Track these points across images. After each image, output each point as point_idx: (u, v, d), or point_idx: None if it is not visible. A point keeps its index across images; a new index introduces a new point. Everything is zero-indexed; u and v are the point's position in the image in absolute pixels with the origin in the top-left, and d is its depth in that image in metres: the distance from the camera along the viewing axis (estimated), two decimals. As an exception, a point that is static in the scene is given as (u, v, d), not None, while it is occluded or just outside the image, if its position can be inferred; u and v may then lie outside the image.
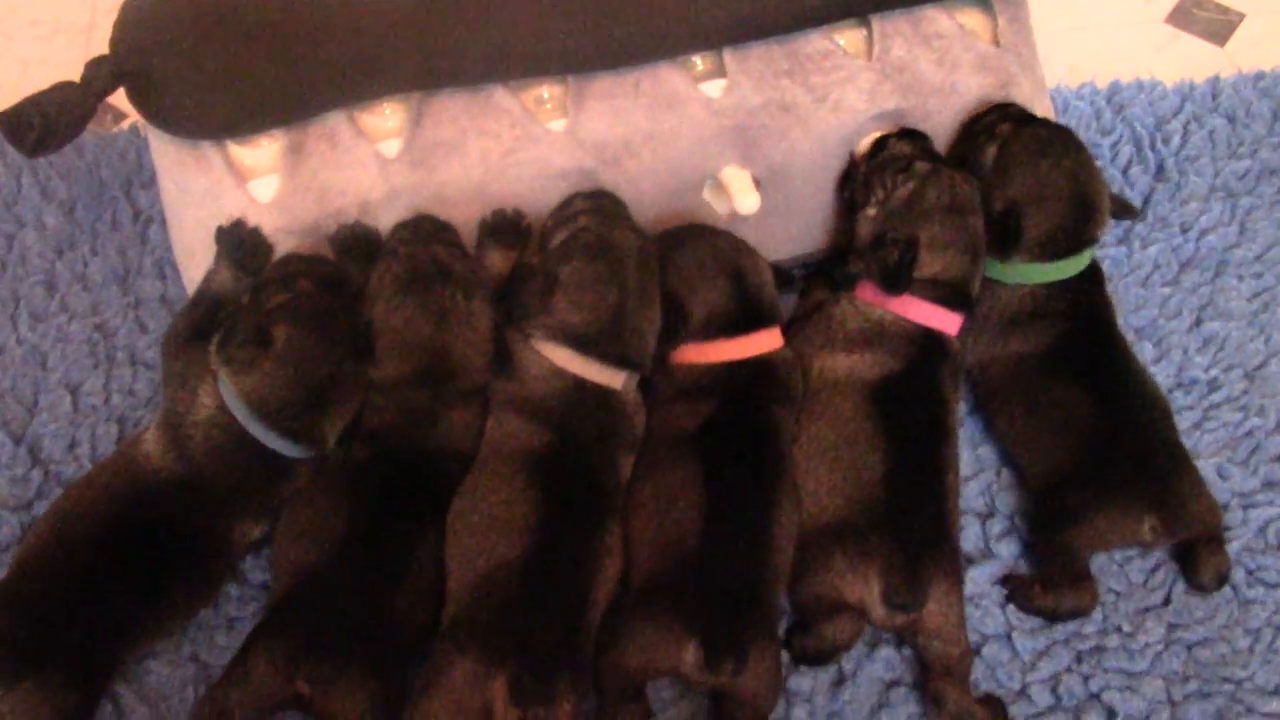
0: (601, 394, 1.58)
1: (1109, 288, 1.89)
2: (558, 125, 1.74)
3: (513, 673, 1.36)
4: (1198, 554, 1.63)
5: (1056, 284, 1.76)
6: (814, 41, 1.82)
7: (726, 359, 1.65)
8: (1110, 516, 1.60)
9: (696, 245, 1.68)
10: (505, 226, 1.69)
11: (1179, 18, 2.54)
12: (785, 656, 1.55)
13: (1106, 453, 1.63)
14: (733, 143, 1.78)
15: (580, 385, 1.57)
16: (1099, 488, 1.62)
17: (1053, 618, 1.60)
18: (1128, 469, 1.62)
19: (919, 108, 1.85)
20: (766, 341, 1.67)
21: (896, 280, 1.68)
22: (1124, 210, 1.85)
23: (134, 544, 1.49)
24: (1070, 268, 1.76)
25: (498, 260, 1.67)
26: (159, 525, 1.51)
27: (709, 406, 1.61)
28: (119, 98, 1.69)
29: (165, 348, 1.68)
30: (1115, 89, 2.28)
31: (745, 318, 1.66)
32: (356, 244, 1.67)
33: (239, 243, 1.64)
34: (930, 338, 1.70)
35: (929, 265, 1.69)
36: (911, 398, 1.66)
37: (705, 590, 1.46)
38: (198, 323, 1.63)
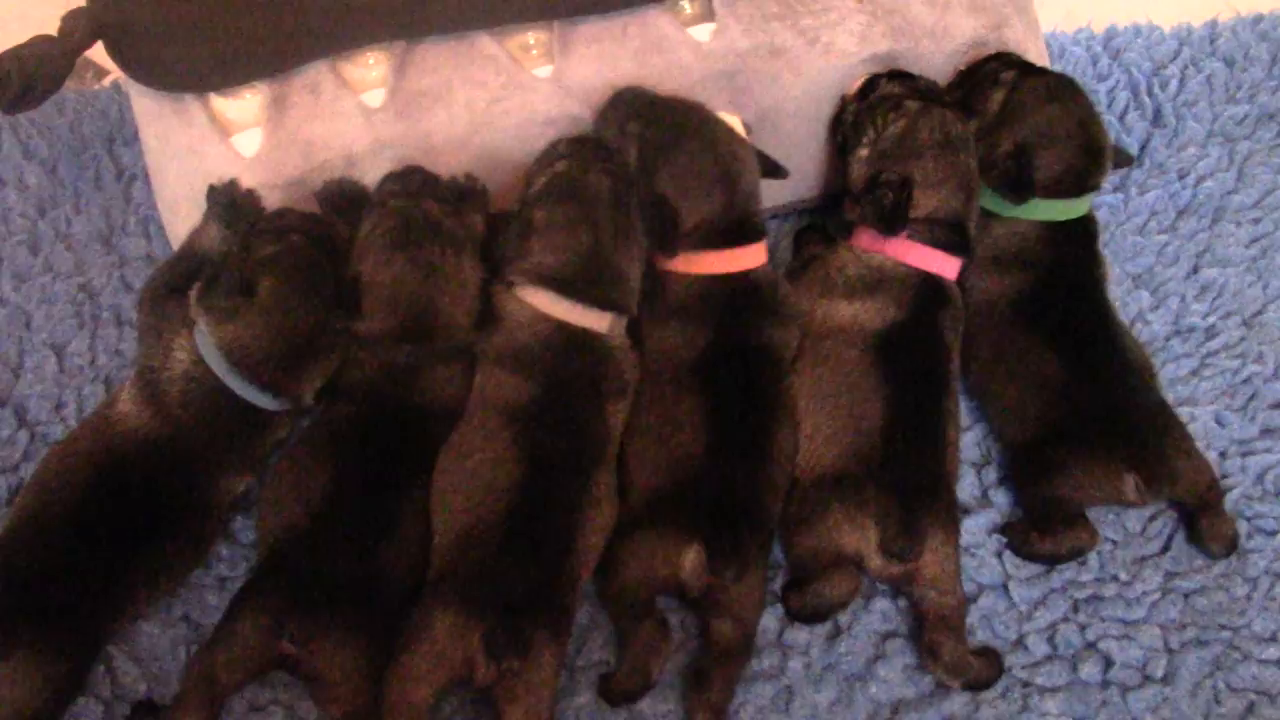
0: (586, 338, 1.57)
1: (1105, 236, 1.87)
2: (544, 72, 1.72)
3: (488, 626, 1.37)
4: (1199, 523, 1.61)
5: (1047, 230, 1.74)
6: (806, -19, 1.79)
7: (712, 272, 1.64)
8: (1090, 472, 1.59)
9: (695, 147, 1.65)
10: (463, 192, 1.66)
11: (1177, -39, 2.50)
12: (781, 610, 1.56)
13: (1080, 412, 1.62)
14: (722, 87, 1.76)
15: (564, 329, 1.56)
16: (1075, 445, 1.61)
17: (1053, 561, 1.59)
18: (1105, 428, 1.61)
19: (911, 50, 1.82)
20: (752, 257, 1.66)
21: (893, 221, 1.66)
22: (1121, 159, 1.84)
23: (118, 507, 1.47)
24: (1067, 210, 1.75)
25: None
26: (142, 486, 1.49)
27: (704, 334, 1.61)
28: (100, 54, 1.66)
29: (142, 301, 1.66)
30: (1112, 33, 2.25)
31: (734, 230, 1.65)
32: (343, 200, 1.65)
33: (230, 202, 1.62)
34: (930, 283, 1.68)
35: (923, 204, 1.68)
36: (914, 347, 1.65)
37: (705, 500, 1.48)
38: (177, 278, 1.61)
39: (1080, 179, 1.75)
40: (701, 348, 1.61)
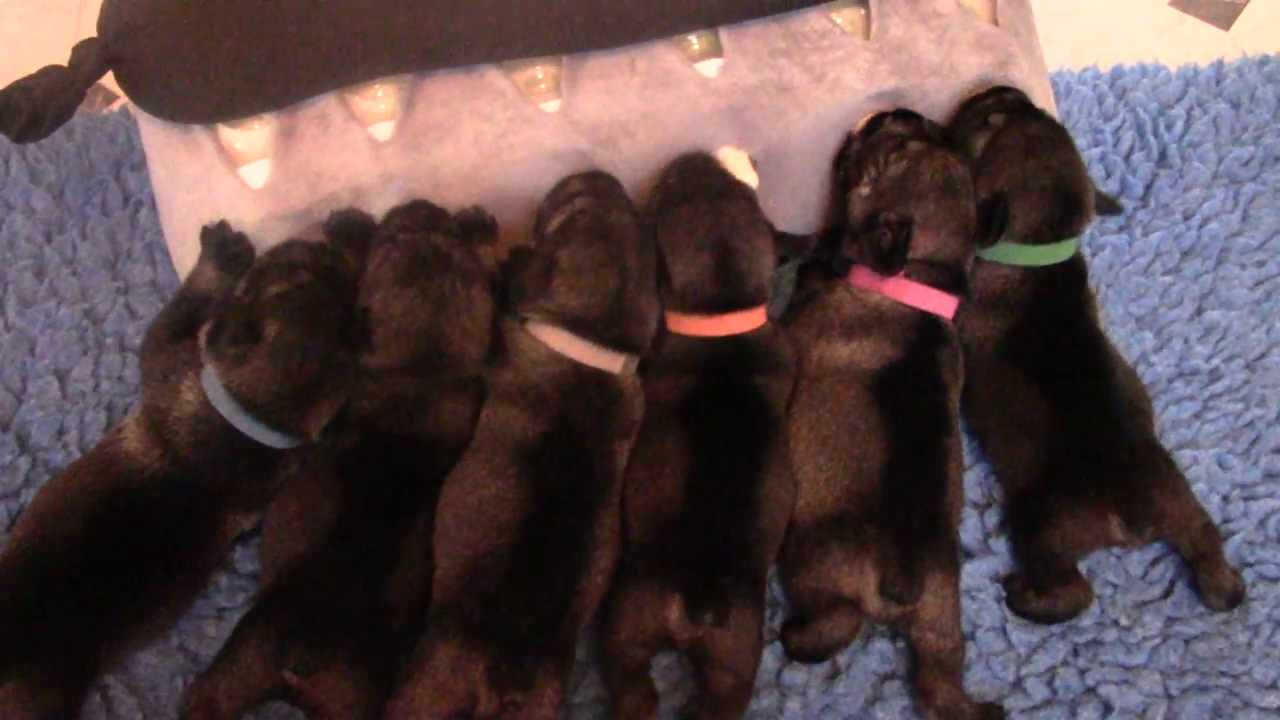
0: (599, 378, 1.57)
1: (1109, 276, 1.87)
2: (552, 106, 1.73)
3: (492, 658, 1.37)
4: (1197, 574, 1.60)
5: (1033, 271, 1.75)
6: (811, 20, 1.80)
7: (702, 334, 1.65)
8: (1077, 518, 1.58)
9: (696, 210, 1.65)
10: (472, 225, 1.67)
11: (1183, 1, 2.51)
12: (779, 649, 1.55)
13: (1066, 456, 1.62)
14: (729, 123, 1.76)
15: (577, 369, 1.56)
16: (1062, 489, 1.60)
17: (1049, 620, 1.58)
18: (1089, 468, 1.60)
19: (917, 88, 1.83)
20: (744, 322, 1.65)
21: (890, 261, 1.67)
22: (1109, 208, 1.84)
23: (119, 542, 1.48)
24: (1049, 255, 1.75)
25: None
26: (146, 522, 1.49)
27: (688, 380, 1.62)
28: (110, 78, 1.67)
29: (145, 346, 1.67)
30: (1118, 73, 2.25)
31: (725, 298, 1.64)
32: (351, 231, 1.66)
33: (223, 243, 1.63)
34: (927, 322, 1.68)
35: (922, 245, 1.68)
36: (912, 386, 1.65)
37: (686, 551, 1.48)
38: (178, 322, 1.62)
39: (1057, 228, 1.74)
40: (685, 391, 1.61)
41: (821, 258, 1.91)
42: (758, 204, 1.70)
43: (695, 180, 1.68)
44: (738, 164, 1.76)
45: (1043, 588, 1.58)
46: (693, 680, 1.53)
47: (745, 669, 1.47)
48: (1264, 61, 2.27)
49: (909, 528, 1.53)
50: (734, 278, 1.64)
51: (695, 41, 1.78)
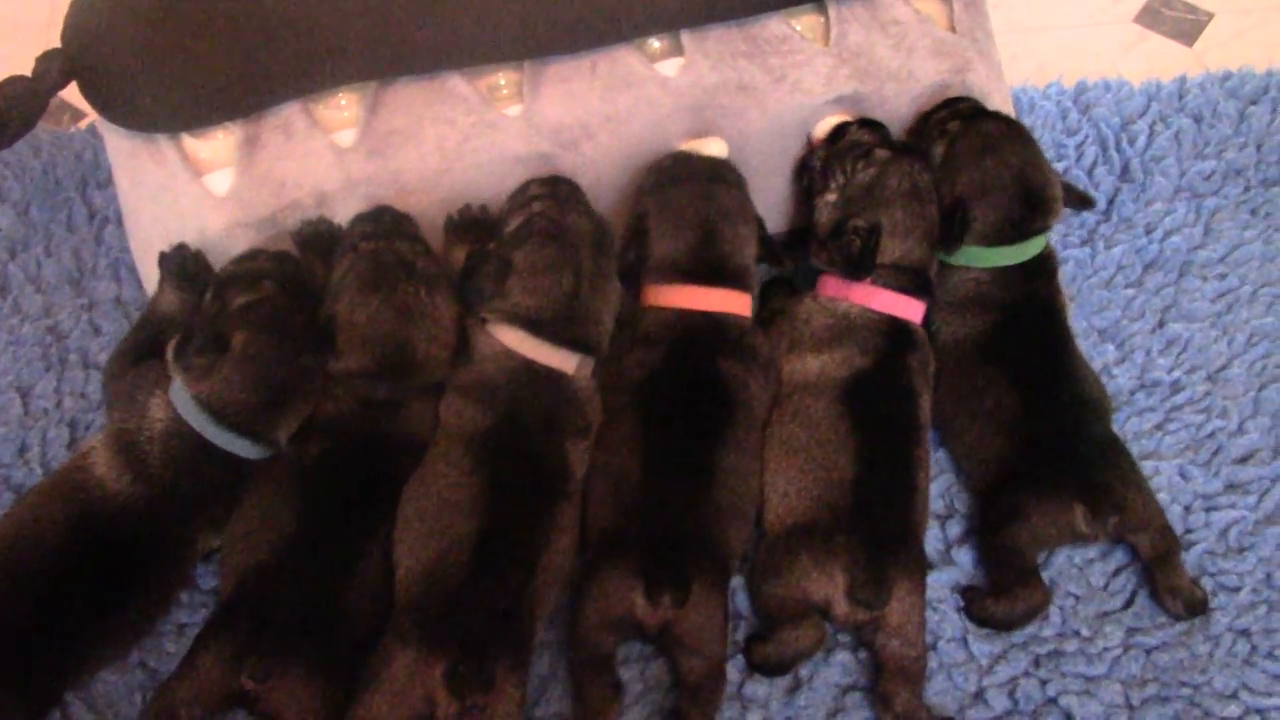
0: (551, 378, 1.58)
1: (1071, 289, 1.88)
2: (514, 111, 1.74)
3: (450, 662, 1.36)
4: (1155, 579, 1.61)
5: (1002, 271, 1.76)
6: (771, 26, 1.83)
7: (677, 305, 1.66)
8: (1042, 510, 1.60)
9: (688, 190, 1.69)
10: (472, 223, 1.68)
11: (1147, 17, 2.54)
12: (742, 663, 1.55)
13: (1032, 448, 1.64)
14: (689, 122, 1.78)
15: (530, 367, 1.57)
16: (1028, 483, 1.62)
17: (1008, 626, 1.58)
18: (1053, 462, 1.63)
19: (875, 93, 1.85)
20: (724, 301, 1.67)
21: (860, 266, 1.68)
22: (1080, 201, 1.85)
23: (87, 569, 1.46)
24: (1016, 254, 1.76)
25: (464, 257, 1.66)
26: (114, 549, 1.48)
27: (655, 356, 1.63)
28: (77, 96, 1.68)
29: (109, 371, 1.67)
30: (1082, 88, 2.27)
31: (705, 269, 1.67)
32: (319, 240, 1.67)
33: (182, 264, 1.64)
34: (896, 328, 1.69)
35: (890, 251, 1.70)
36: (883, 395, 1.66)
37: (647, 532, 1.50)
38: (142, 344, 1.63)
39: (1020, 227, 1.75)
40: (649, 369, 1.63)
41: (784, 276, 1.91)
42: (748, 193, 1.74)
43: (690, 163, 1.72)
44: (714, 148, 1.79)
45: (1002, 589, 1.59)
46: (668, 681, 1.53)
47: (713, 650, 1.47)
48: (1226, 77, 2.29)
49: (878, 534, 1.53)
50: (716, 256, 1.67)
51: (656, 42, 1.80)
